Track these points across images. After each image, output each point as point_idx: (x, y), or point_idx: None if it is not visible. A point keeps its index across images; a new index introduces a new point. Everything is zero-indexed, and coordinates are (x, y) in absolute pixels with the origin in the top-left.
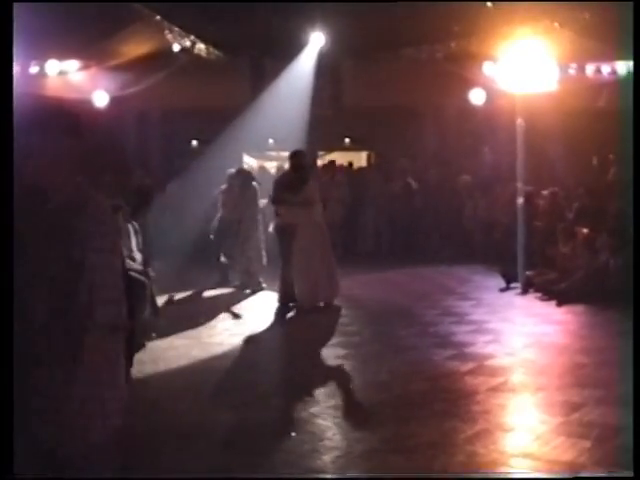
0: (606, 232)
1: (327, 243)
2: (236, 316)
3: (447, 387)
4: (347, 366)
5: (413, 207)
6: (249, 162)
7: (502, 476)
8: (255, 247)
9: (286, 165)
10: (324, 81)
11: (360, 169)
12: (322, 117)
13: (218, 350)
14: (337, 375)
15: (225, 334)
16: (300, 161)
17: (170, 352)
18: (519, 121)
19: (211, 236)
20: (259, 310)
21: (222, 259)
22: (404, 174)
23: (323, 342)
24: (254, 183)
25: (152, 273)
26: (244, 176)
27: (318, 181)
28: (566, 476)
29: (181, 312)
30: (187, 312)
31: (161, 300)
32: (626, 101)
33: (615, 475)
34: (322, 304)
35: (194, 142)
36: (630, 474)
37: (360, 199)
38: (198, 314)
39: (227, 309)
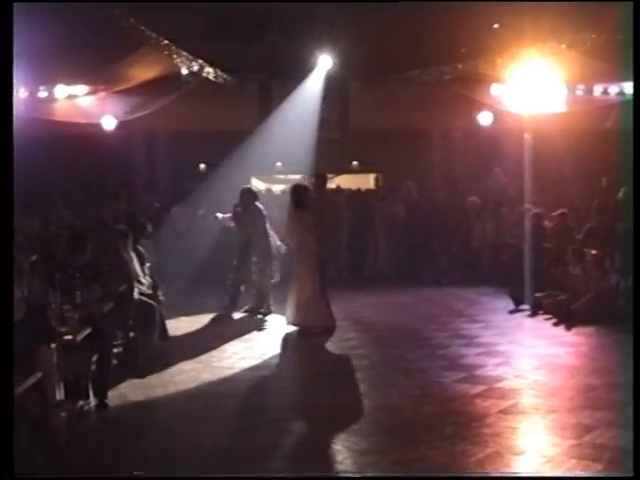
0: (616, 253)
1: (316, 271)
2: (245, 339)
3: (457, 410)
4: (356, 389)
5: (420, 229)
6: (257, 185)
7: (502, 475)
8: (266, 268)
9: None
10: (331, 104)
11: (366, 191)
12: (329, 140)
13: (228, 374)
14: (347, 398)
15: (235, 357)
16: (300, 197)
17: (180, 376)
18: (526, 136)
19: (234, 262)
20: (269, 333)
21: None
22: (410, 196)
23: (332, 365)
24: (256, 203)
25: (162, 297)
26: (245, 197)
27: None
28: (566, 476)
29: (191, 336)
30: (197, 336)
31: (171, 324)
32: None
33: (615, 475)
34: (317, 329)
35: (202, 165)
36: (630, 474)
37: (366, 221)
38: (208, 338)
39: (237, 332)
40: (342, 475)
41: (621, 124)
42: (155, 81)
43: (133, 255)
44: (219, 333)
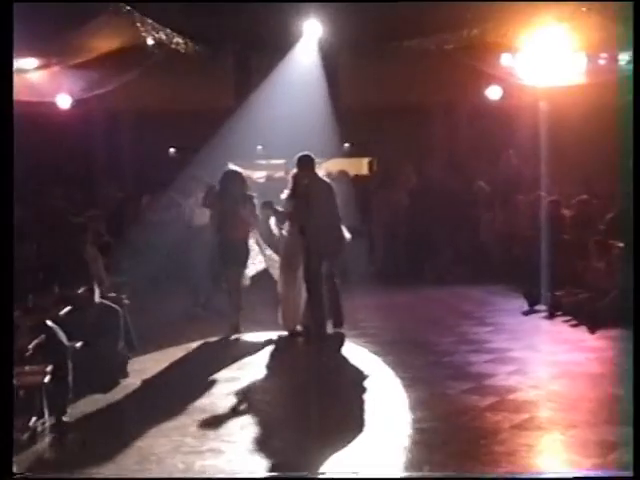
0: None
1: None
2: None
3: (465, 425)
4: (351, 403)
5: (421, 219)
6: None
7: (502, 476)
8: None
9: (277, 175)
10: (319, 79)
11: (358, 178)
12: (317, 120)
13: (205, 385)
14: (339, 414)
15: (213, 364)
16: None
17: (148, 390)
18: (541, 112)
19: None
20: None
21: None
22: (408, 182)
23: (326, 376)
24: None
25: (126, 300)
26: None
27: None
28: (566, 476)
29: (162, 343)
30: (169, 344)
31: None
32: None
33: (615, 475)
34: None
35: (172, 150)
36: (630, 474)
37: (360, 212)
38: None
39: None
40: (342, 475)
41: None
42: (117, 53)
43: (95, 251)
44: (192, 339)
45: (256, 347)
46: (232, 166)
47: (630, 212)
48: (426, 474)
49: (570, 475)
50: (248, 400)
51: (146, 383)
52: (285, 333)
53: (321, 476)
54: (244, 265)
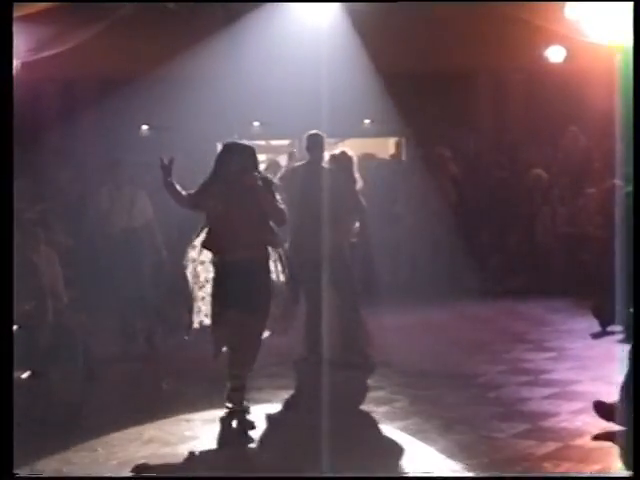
0: None
1: None
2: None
3: (518, 478)
4: (373, 450)
5: (461, 217)
6: None
7: (502, 476)
8: None
9: (280, 159)
10: (333, 39)
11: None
12: (330, 90)
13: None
14: (359, 464)
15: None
16: None
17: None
18: (617, 79)
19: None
20: None
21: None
22: (446, 169)
23: (341, 416)
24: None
25: (83, 317)
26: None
27: None
28: (566, 476)
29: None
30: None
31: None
32: None
33: (615, 475)
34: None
35: (144, 127)
36: (630, 474)
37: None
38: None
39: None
40: (342, 475)
41: None
42: (73, 5)
43: (51, 254)
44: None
45: None
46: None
47: None
48: (426, 474)
49: (570, 475)
50: None
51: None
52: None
53: (322, 476)
54: (264, 310)
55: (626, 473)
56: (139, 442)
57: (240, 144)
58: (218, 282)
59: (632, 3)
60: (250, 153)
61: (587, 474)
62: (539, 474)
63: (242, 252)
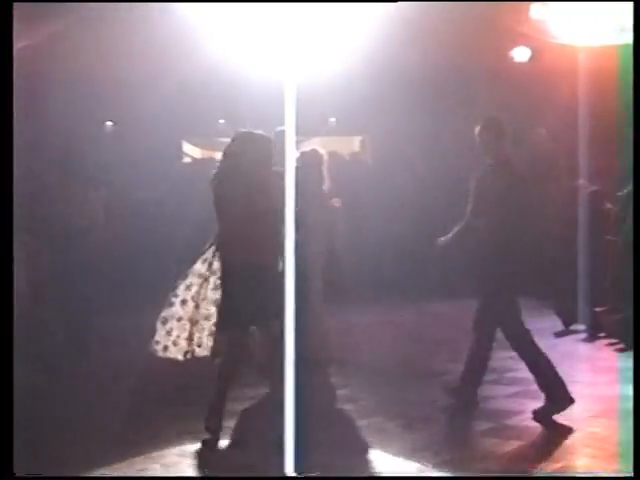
0: None
1: None
2: None
3: (482, 476)
4: (337, 449)
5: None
6: (191, 153)
7: (502, 475)
8: None
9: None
10: (298, 36)
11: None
12: (297, 87)
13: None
14: (324, 463)
15: None
16: None
17: None
18: (582, 80)
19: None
20: None
21: None
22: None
23: (306, 414)
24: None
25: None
26: None
27: None
28: (566, 476)
29: None
30: None
31: None
32: None
33: (615, 475)
34: None
35: (109, 123)
36: (630, 474)
37: None
38: None
39: None
40: (342, 475)
41: None
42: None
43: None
44: None
45: None
46: (185, 146)
47: None
48: (426, 474)
49: (570, 475)
50: None
51: None
52: None
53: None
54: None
55: (626, 473)
56: None
57: (255, 134)
58: (229, 287)
59: (632, 3)
60: (266, 144)
61: (587, 474)
62: (539, 474)
63: (255, 257)
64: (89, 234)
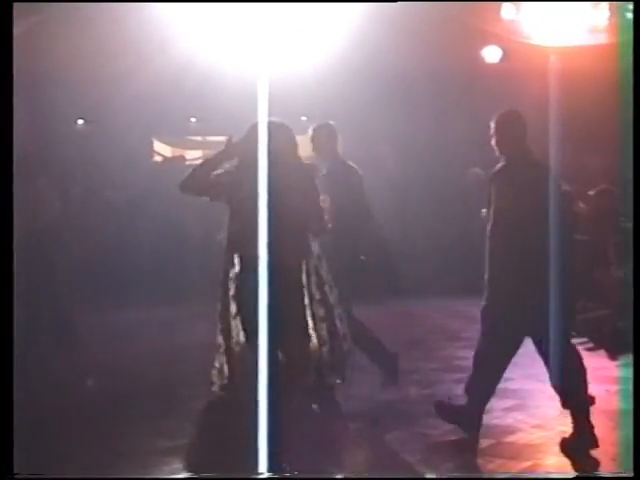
0: None
1: None
2: None
3: (451, 476)
4: (307, 449)
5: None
6: (162, 152)
7: (502, 476)
8: None
9: None
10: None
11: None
12: (268, 86)
13: None
14: (296, 463)
15: None
16: None
17: None
18: (552, 80)
19: None
20: None
21: None
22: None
23: (277, 414)
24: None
25: None
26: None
27: None
28: (566, 476)
29: None
30: None
31: None
32: None
33: (615, 475)
34: None
35: (80, 122)
36: (630, 474)
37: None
38: None
39: None
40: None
41: None
42: None
43: None
44: None
45: None
46: (156, 144)
47: None
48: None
49: (570, 475)
50: None
51: None
52: None
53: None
54: (305, 332)
55: (626, 473)
56: None
57: (273, 121)
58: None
59: (632, 3)
60: (286, 133)
61: (587, 474)
62: (539, 474)
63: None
64: (53, 232)
